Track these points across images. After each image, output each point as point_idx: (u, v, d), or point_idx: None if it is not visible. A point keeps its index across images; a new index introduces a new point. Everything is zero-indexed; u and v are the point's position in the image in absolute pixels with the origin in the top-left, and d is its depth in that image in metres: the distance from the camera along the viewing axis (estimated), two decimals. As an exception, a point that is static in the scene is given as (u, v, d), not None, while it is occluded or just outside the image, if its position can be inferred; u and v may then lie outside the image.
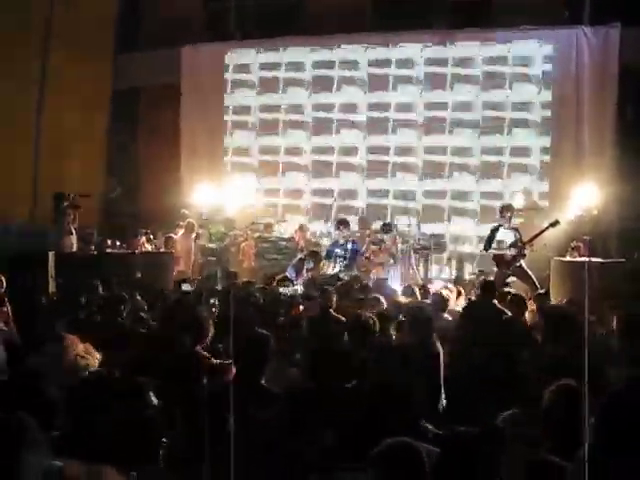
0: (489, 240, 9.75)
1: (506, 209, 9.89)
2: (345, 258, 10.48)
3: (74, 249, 9.75)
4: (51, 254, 9.04)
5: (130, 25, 14.44)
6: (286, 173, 13.75)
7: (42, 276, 8.58)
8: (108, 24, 14.03)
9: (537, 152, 12.68)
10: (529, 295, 8.13)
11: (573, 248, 10.10)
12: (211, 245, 11.34)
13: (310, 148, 13.63)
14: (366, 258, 10.98)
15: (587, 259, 9.19)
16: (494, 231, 9.72)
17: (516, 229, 9.81)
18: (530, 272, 9.46)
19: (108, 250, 10.63)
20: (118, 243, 10.98)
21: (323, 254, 10.79)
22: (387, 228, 11.34)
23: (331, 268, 10.45)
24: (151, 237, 11.64)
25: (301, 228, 12.17)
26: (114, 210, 14.05)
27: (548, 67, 12.57)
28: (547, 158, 12.63)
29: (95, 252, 10.17)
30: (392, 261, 10.98)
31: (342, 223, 11.02)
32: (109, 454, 2.68)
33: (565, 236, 10.80)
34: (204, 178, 12.98)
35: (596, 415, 2.66)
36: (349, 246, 10.62)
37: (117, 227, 12.90)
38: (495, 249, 9.74)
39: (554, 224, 9.70)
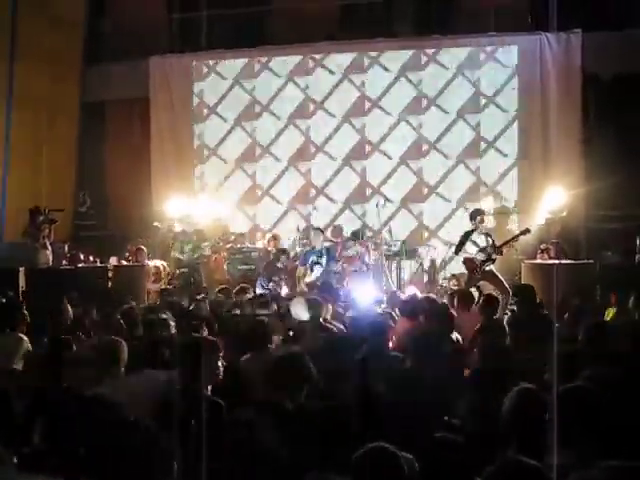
0: (460, 244, 9.83)
1: (476, 213, 10.00)
2: (321, 265, 10.49)
3: (50, 264, 9.68)
4: (21, 270, 8.99)
5: (98, 37, 14.37)
6: (257, 181, 13.78)
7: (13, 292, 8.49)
8: (76, 36, 13.95)
9: (505, 156, 12.84)
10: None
11: (543, 251, 10.24)
12: (182, 257, 11.28)
13: (281, 157, 13.68)
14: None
15: (557, 261, 9.33)
16: (466, 236, 9.80)
17: (488, 234, 9.91)
18: (500, 276, 9.56)
19: (80, 264, 10.54)
20: (91, 258, 10.90)
21: (297, 262, 10.79)
22: (356, 236, 11.41)
23: (307, 275, 10.45)
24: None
25: (274, 238, 12.17)
26: (84, 223, 13.94)
27: (513, 73, 12.76)
28: (515, 162, 12.79)
29: (68, 266, 10.09)
30: (365, 268, 11.03)
31: (317, 229, 11.06)
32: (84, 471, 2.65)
33: (535, 239, 10.97)
34: (175, 190, 12.95)
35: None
36: (324, 252, 10.63)
37: (87, 240, 12.82)
38: (467, 253, 9.81)
39: (524, 232, 9.78)
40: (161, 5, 14.41)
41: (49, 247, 9.80)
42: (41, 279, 9.05)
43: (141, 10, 13.87)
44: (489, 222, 10.88)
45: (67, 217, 13.41)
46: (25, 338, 5.60)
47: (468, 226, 9.84)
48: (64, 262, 10.36)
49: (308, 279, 10.31)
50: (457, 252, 9.88)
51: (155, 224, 12.37)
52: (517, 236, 9.87)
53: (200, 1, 13.93)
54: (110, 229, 13.87)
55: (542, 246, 10.26)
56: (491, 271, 9.64)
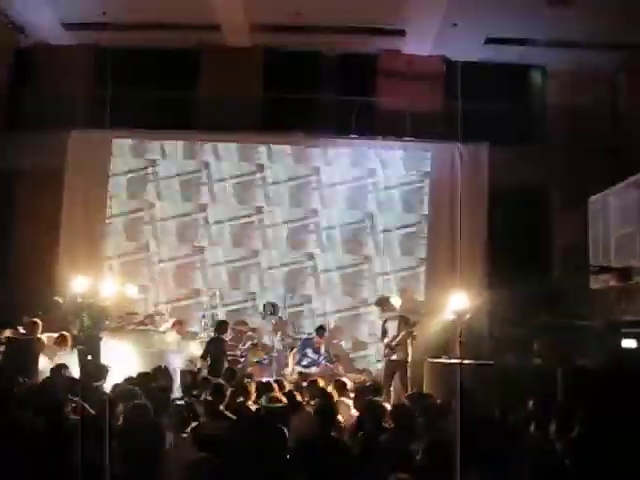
0: (382, 333, 10.10)
1: (383, 302, 10.31)
2: (315, 362, 10.84)
3: None
4: None
5: (15, 104, 14.17)
6: (161, 266, 13.61)
7: None
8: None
9: (413, 260, 13.20)
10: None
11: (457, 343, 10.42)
12: (80, 335, 10.78)
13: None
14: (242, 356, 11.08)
15: (459, 360, 9.47)
16: (384, 323, 10.11)
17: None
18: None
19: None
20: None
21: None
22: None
23: (297, 361, 10.80)
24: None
25: (179, 322, 11.94)
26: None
27: (425, 178, 13.32)
28: (422, 266, 13.15)
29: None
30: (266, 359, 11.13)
31: (320, 330, 11.35)
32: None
33: (441, 338, 11.20)
34: (82, 267, 12.56)
35: None
36: (322, 351, 11.02)
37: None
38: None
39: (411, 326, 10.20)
40: (85, 79, 14.41)
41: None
42: None
43: (62, 82, 13.84)
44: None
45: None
46: None
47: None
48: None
49: (297, 368, 10.72)
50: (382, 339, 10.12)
51: (56, 298, 11.90)
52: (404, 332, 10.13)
53: (126, 80, 14.03)
54: (8, 301, 13.22)
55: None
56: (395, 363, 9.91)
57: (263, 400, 6.55)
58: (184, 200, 13.72)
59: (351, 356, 12.77)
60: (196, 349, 11.21)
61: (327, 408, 5.74)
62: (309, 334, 11.90)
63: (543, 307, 12.37)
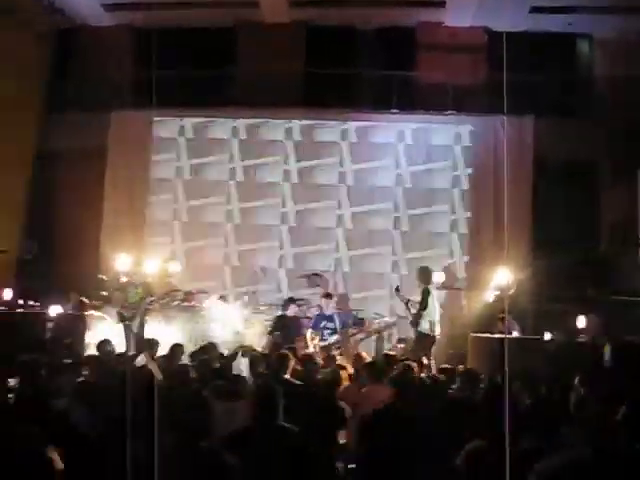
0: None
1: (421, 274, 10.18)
2: (335, 331, 10.39)
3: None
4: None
5: (59, 85, 14.32)
6: (210, 241, 13.67)
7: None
8: (35, 84, 13.88)
9: (456, 234, 13.04)
10: None
11: (500, 319, 10.29)
12: (124, 311, 10.93)
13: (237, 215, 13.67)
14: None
15: (505, 335, 9.36)
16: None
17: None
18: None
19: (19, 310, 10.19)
20: (30, 303, 10.54)
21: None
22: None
23: (317, 340, 10.30)
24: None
25: (222, 298, 12.01)
26: (28, 272, 13.54)
27: (467, 152, 13.11)
28: (466, 240, 12.99)
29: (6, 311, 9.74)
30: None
31: (327, 296, 10.91)
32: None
33: (483, 315, 11.10)
34: (125, 246, 12.70)
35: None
36: (335, 316, 10.53)
37: (31, 289, 12.41)
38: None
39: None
40: (127, 61, 14.48)
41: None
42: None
43: (105, 64, 13.93)
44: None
45: (11, 264, 13.10)
46: None
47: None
48: (2, 307, 10.02)
49: (321, 343, 10.23)
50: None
51: (101, 277, 12.08)
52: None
53: (165, 59, 14.05)
54: (54, 279, 13.48)
55: (500, 315, 10.30)
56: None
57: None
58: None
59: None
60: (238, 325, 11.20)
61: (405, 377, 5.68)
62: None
63: (590, 282, 12.15)
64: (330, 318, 10.52)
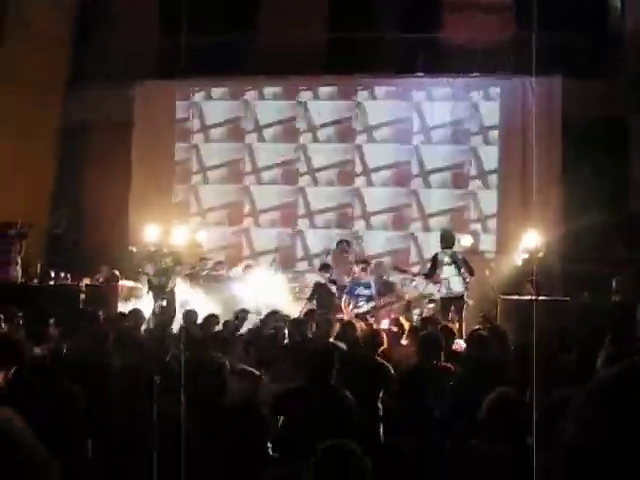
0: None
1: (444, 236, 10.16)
2: (369, 297, 10.39)
3: (19, 280, 9.48)
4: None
5: (83, 59, 14.34)
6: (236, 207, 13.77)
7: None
8: (61, 57, 13.92)
9: (484, 196, 12.94)
10: None
11: (530, 281, 10.24)
12: (154, 280, 11.04)
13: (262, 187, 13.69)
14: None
15: (534, 297, 9.31)
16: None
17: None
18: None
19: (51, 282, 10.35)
20: (62, 275, 10.70)
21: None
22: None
23: (352, 306, 10.31)
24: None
25: (249, 267, 12.08)
26: (59, 245, 13.72)
27: (495, 114, 12.93)
28: (495, 202, 12.88)
29: (39, 283, 9.90)
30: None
31: (363, 262, 10.91)
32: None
33: (512, 277, 11.03)
34: (153, 217, 12.80)
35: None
36: (372, 283, 10.50)
37: (61, 262, 12.60)
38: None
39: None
40: (150, 30, 14.45)
41: (19, 262, 9.61)
42: (10, 295, 8.84)
43: (129, 34, 13.89)
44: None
45: (42, 238, 13.27)
46: None
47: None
48: (35, 280, 10.18)
49: (356, 310, 10.20)
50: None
51: (130, 248, 12.20)
52: None
53: (187, 29, 13.97)
54: (85, 252, 13.66)
55: (529, 277, 10.24)
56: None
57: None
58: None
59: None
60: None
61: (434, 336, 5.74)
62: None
63: (621, 242, 12.00)
64: (366, 285, 10.50)
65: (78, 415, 3.22)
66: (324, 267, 11.02)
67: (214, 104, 13.98)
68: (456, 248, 10.17)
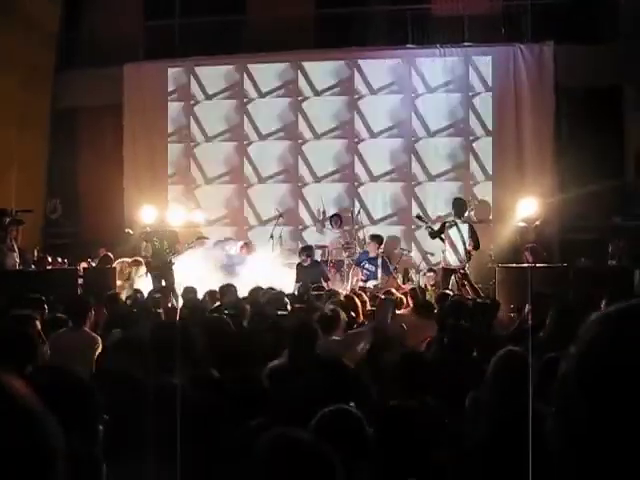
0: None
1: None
2: (373, 274, 10.46)
3: (17, 266, 9.44)
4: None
5: (70, 43, 14.22)
6: (229, 189, 13.73)
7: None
8: (48, 41, 13.80)
9: (478, 165, 12.93)
10: None
11: (527, 249, 10.29)
12: (152, 259, 11.01)
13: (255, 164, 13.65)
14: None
15: (531, 264, 9.35)
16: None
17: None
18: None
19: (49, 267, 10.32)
20: (59, 260, 10.67)
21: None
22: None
23: (359, 275, 10.53)
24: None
25: (246, 245, 12.09)
26: (55, 231, 13.71)
27: (487, 82, 12.88)
28: (489, 170, 12.88)
29: (35, 269, 9.86)
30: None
31: (374, 238, 10.95)
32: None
33: (509, 246, 11.10)
34: (147, 198, 12.78)
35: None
36: (379, 262, 10.58)
37: (58, 247, 12.59)
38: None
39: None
40: (136, 12, 14.31)
41: (16, 249, 9.56)
42: (8, 281, 8.82)
43: (116, 17, 13.78)
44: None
45: (37, 224, 13.24)
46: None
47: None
48: (32, 266, 10.15)
49: (360, 283, 10.35)
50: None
51: (127, 230, 12.20)
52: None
53: (175, 9, 13.87)
54: (81, 236, 13.65)
55: (527, 245, 10.30)
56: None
57: None
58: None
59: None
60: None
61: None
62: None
63: (615, 210, 12.04)
64: (372, 261, 10.59)
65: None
66: (304, 250, 11.03)
67: (208, 74, 13.83)
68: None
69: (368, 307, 7.10)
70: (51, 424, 1.02)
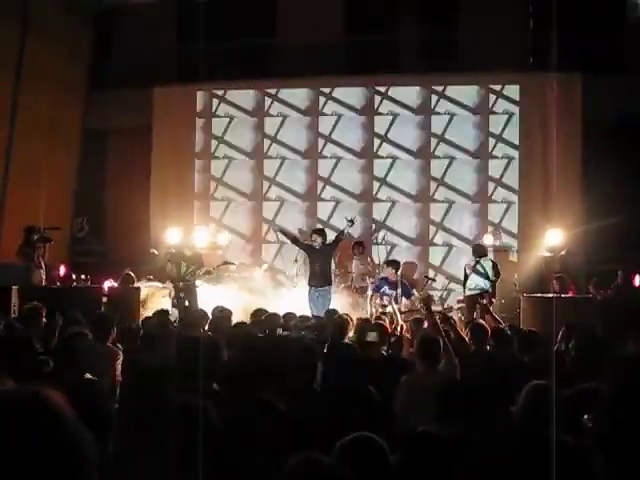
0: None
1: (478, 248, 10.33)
2: (395, 299, 10.36)
3: (43, 283, 9.55)
4: (14, 288, 8.86)
5: (103, 65, 14.46)
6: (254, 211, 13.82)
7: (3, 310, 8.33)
8: (81, 62, 14.05)
9: (505, 195, 12.90)
10: None
11: (555, 278, 10.21)
12: (177, 282, 11.05)
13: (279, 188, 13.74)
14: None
15: (557, 294, 9.28)
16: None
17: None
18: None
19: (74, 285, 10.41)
20: (83, 277, 10.76)
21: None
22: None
23: (379, 301, 10.37)
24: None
25: (270, 269, 12.13)
26: (81, 249, 13.84)
27: (515, 111, 12.88)
28: (515, 200, 12.83)
29: (62, 286, 9.95)
30: None
31: (391, 263, 10.92)
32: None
33: (535, 275, 11.02)
34: (174, 218, 12.89)
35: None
36: (398, 286, 10.51)
37: (84, 265, 12.69)
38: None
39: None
40: (168, 35, 14.53)
41: (43, 266, 9.68)
42: (34, 298, 8.90)
43: (148, 39, 13.99)
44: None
45: (64, 242, 13.37)
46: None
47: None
48: (58, 283, 10.24)
49: (381, 309, 10.14)
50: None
51: (152, 251, 12.27)
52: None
53: (206, 33, 14.03)
54: (106, 255, 13.77)
55: (554, 275, 10.25)
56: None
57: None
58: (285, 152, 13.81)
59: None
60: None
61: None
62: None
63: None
64: (392, 285, 10.50)
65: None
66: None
67: (236, 98, 14.04)
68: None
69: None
70: (85, 434, 1.08)
